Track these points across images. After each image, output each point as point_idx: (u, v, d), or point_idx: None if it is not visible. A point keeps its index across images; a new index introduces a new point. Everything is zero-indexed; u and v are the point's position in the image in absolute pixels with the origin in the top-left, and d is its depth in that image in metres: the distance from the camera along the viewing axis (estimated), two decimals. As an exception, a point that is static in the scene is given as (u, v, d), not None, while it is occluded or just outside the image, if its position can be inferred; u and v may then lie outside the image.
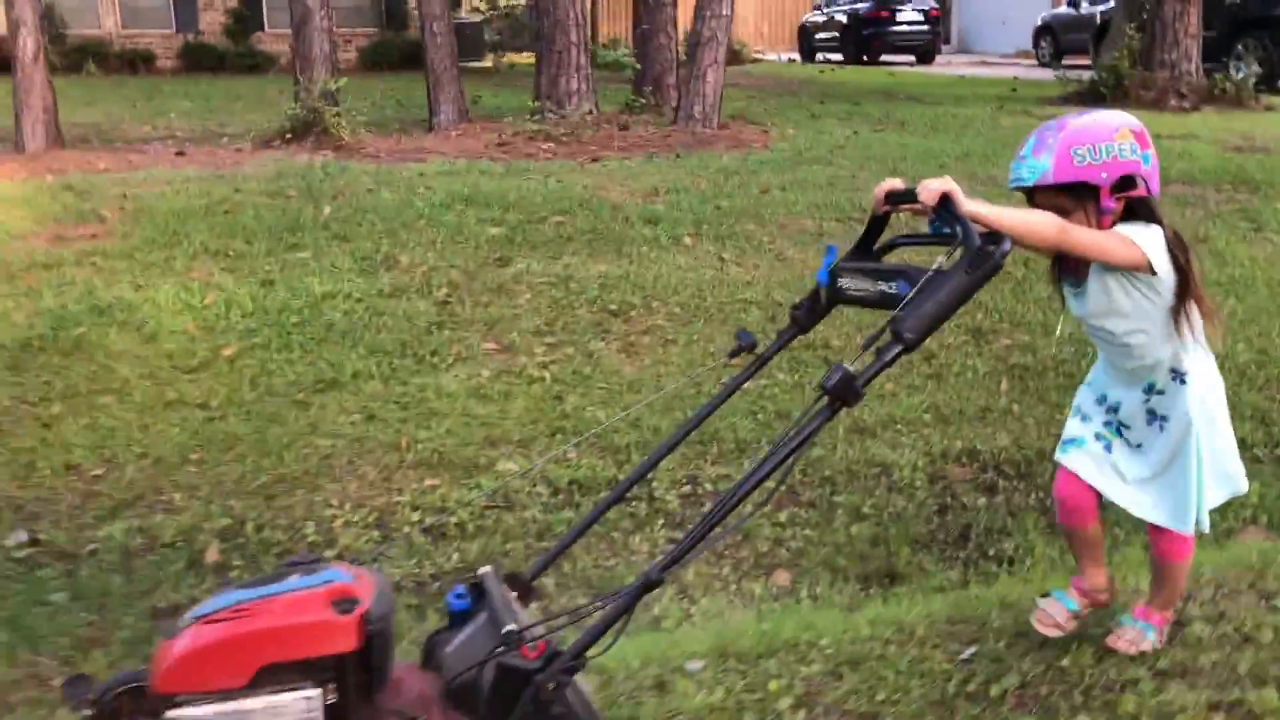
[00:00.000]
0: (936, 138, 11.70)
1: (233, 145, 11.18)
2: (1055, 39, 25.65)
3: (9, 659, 3.50)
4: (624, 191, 8.23)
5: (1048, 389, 5.64)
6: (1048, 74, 22.21)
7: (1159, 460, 2.68)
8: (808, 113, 14.37)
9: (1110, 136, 2.49)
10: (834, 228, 7.52)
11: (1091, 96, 15.18)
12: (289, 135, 10.16)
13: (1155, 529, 2.71)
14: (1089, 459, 2.73)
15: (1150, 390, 2.68)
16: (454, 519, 4.54)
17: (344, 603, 2.06)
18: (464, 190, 8.01)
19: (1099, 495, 2.74)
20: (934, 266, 2.24)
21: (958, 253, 2.28)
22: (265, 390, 5.30)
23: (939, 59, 27.77)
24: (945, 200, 2.26)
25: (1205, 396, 2.65)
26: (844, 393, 2.12)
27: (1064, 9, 26.39)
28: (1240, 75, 15.63)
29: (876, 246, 2.57)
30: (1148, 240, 2.46)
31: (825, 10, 29.18)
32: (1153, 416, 2.69)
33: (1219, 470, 2.68)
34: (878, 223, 2.54)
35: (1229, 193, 8.80)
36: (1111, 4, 20.65)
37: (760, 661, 2.73)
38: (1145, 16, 15.30)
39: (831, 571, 4.17)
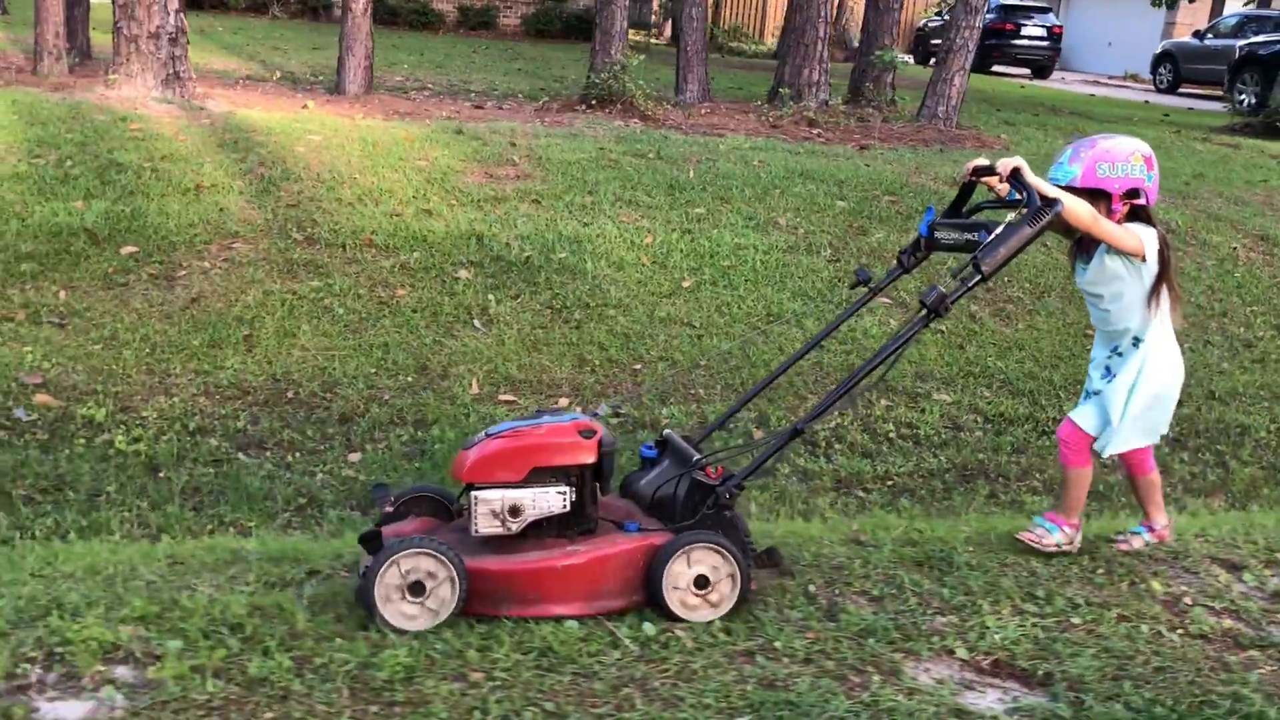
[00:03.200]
0: (1170, 159, 12.63)
1: (501, 102, 12.42)
2: (1176, 67, 26.36)
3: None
4: (927, 178, 9.36)
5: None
6: (1172, 100, 23.06)
7: (1104, 394, 3.39)
8: (997, 120, 15.34)
9: (1127, 158, 3.27)
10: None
11: (1265, 130, 16.07)
12: (593, 102, 11.34)
13: (1066, 440, 3.45)
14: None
15: (1114, 352, 3.44)
16: (920, 431, 5.76)
17: (586, 432, 2.97)
18: (795, 167, 9.18)
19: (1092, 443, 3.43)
20: (1007, 219, 3.03)
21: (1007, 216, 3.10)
22: (730, 317, 6.53)
23: (1053, 75, 28.54)
24: (1016, 171, 3.07)
25: (1154, 362, 3.35)
26: (937, 306, 2.97)
27: (1187, 39, 27.09)
28: None
29: (965, 209, 3.37)
30: (1147, 237, 3.26)
31: (945, 17, 29.89)
32: (1107, 372, 3.43)
33: (1146, 423, 3.37)
34: (966, 190, 3.36)
35: None
36: (1248, 41, 21.54)
37: None
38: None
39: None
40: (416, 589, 2.71)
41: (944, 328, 6.78)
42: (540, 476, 2.90)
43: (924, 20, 31.02)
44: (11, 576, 2.93)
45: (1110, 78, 31.07)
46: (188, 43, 9.65)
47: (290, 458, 4.95)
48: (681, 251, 7.17)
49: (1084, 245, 3.46)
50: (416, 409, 5.38)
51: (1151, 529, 3.54)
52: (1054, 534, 3.47)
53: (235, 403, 5.26)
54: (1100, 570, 3.32)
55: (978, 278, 3.01)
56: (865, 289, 3.41)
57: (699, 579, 2.86)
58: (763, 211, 8.03)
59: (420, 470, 4.85)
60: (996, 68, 27.60)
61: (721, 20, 28.92)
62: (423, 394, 5.50)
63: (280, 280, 6.26)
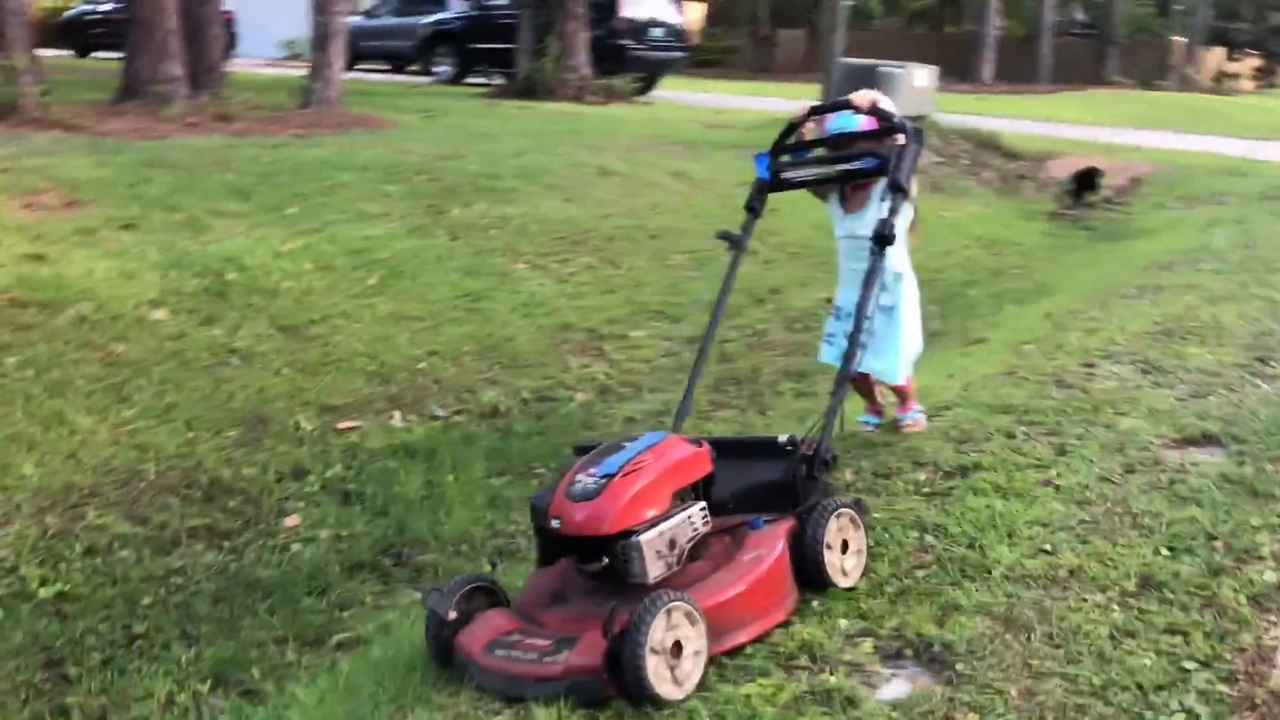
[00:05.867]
0: (527, 120, 14.04)
1: None
2: (352, 45, 28.30)
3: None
4: (421, 158, 9.66)
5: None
6: (368, 76, 24.16)
7: (879, 334, 3.72)
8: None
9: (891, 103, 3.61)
10: (596, 181, 9.91)
11: (527, 92, 18.73)
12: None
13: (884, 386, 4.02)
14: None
15: (880, 289, 3.57)
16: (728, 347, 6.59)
17: (694, 439, 2.86)
18: (306, 159, 8.87)
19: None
20: (897, 144, 3.35)
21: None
22: (437, 304, 6.62)
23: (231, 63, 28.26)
24: (875, 102, 3.46)
25: (912, 288, 3.86)
26: (890, 235, 3.24)
27: (358, 18, 29.07)
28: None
29: (792, 140, 3.62)
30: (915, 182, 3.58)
31: (96, 6, 27.67)
32: (881, 309, 3.66)
33: (917, 340, 3.94)
34: (791, 129, 3.63)
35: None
36: (434, 18, 23.53)
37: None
38: (555, 33, 19.25)
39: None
40: (676, 649, 2.46)
41: (587, 278, 7.59)
42: (680, 498, 2.75)
43: (73, 11, 28.24)
44: None
45: (272, 60, 30.49)
46: None
47: (229, 543, 4.20)
48: (337, 254, 6.89)
49: (850, 193, 3.82)
50: (287, 463, 4.81)
51: (917, 409, 4.09)
52: (919, 417, 4.07)
53: (97, 510, 4.19)
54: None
55: (902, 198, 3.29)
56: (734, 246, 3.56)
57: (842, 545, 2.89)
58: (348, 205, 7.89)
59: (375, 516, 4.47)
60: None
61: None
62: (280, 447, 4.91)
63: (-33, 367, 4.79)
